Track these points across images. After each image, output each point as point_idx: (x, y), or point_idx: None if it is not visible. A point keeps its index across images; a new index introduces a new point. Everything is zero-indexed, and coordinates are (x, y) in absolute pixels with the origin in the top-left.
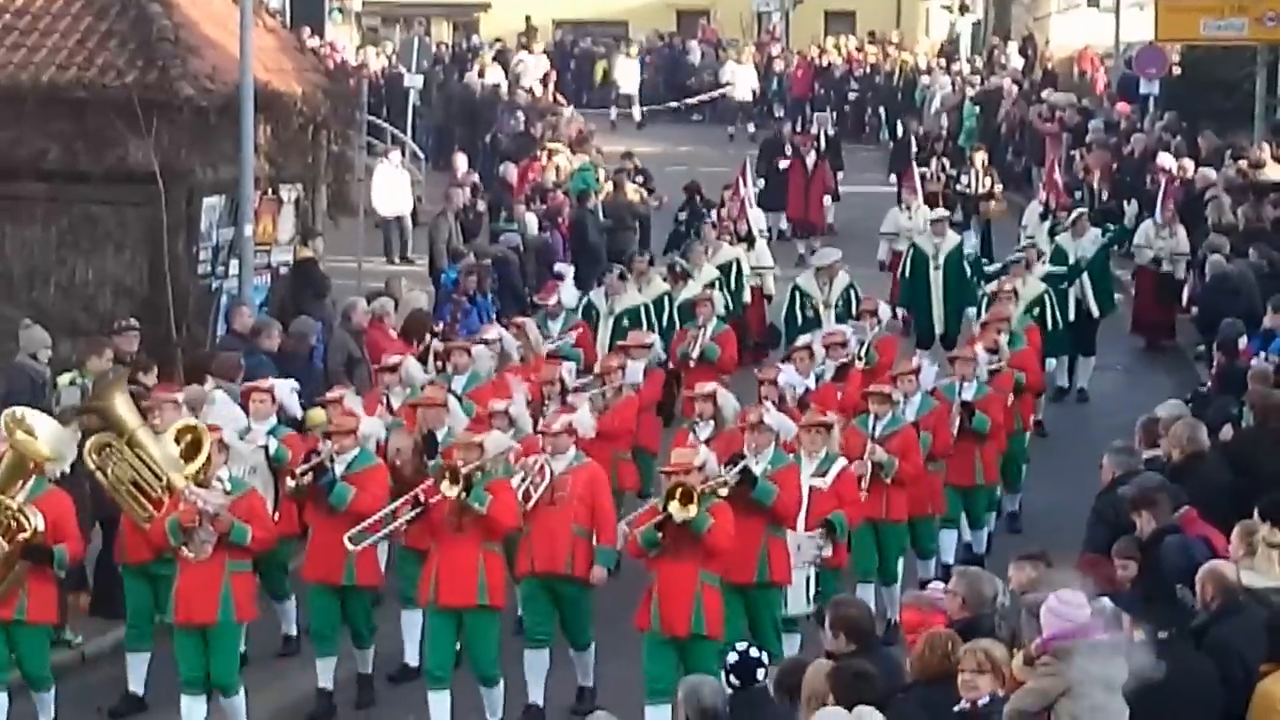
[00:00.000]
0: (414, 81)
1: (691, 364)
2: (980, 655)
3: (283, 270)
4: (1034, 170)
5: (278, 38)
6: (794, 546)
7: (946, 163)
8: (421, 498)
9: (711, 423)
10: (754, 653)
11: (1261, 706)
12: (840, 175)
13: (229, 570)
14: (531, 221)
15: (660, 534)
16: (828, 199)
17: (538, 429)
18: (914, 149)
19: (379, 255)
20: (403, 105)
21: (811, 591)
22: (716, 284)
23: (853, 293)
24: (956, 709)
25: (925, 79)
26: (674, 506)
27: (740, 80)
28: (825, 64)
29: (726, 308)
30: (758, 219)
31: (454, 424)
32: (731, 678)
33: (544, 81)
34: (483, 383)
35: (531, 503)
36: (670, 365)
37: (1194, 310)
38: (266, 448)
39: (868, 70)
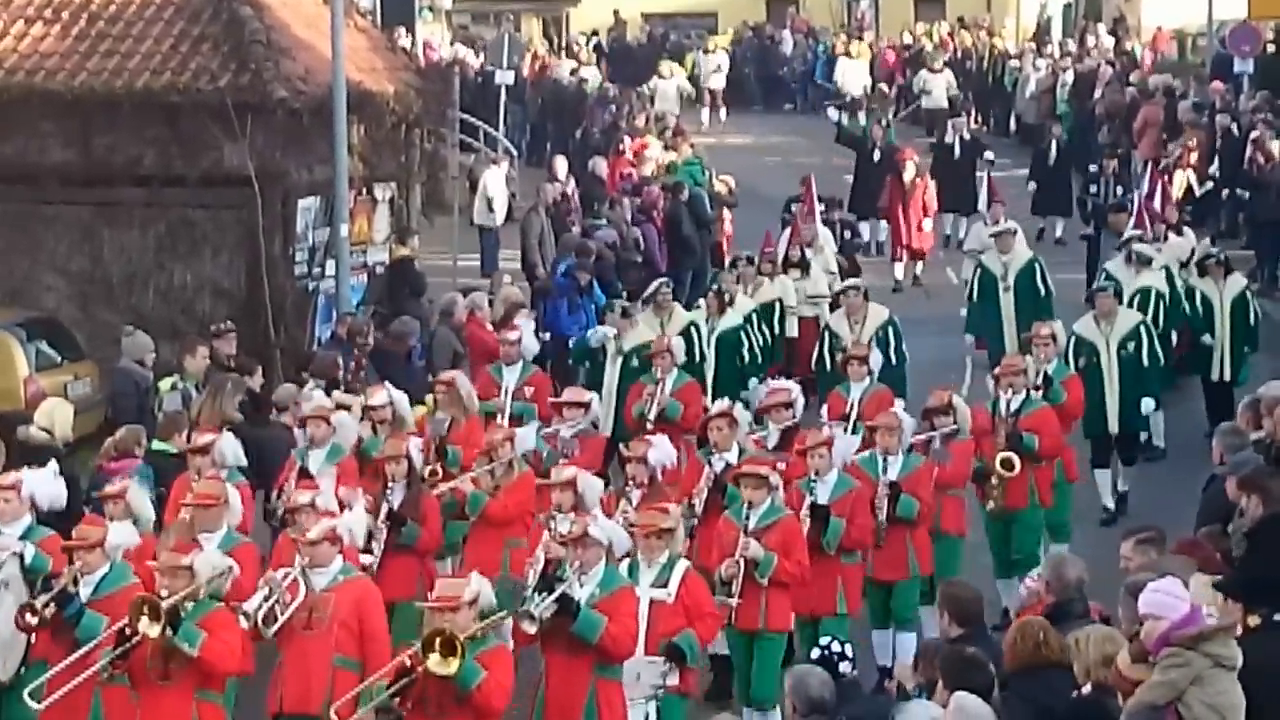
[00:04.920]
0: (505, 78)
1: (649, 425)
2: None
3: (379, 270)
4: (1132, 155)
5: (369, 38)
6: (632, 676)
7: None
8: (127, 631)
9: (571, 515)
10: (835, 647)
11: None
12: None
13: None
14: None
15: (395, 697)
16: (929, 222)
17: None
18: (1054, 156)
19: (475, 252)
20: (495, 102)
21: None
22: (754, 321)
23: (890, 331)
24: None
25: (1015, 63)
26: (433, 659)
27: (936, 88)
28: (916, 50)
29: (756, 353)
30: (826, 238)
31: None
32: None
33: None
34: (345, 458)
35: (276, 626)
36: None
37: None
38: (21, 556)
39: (958, 55)
